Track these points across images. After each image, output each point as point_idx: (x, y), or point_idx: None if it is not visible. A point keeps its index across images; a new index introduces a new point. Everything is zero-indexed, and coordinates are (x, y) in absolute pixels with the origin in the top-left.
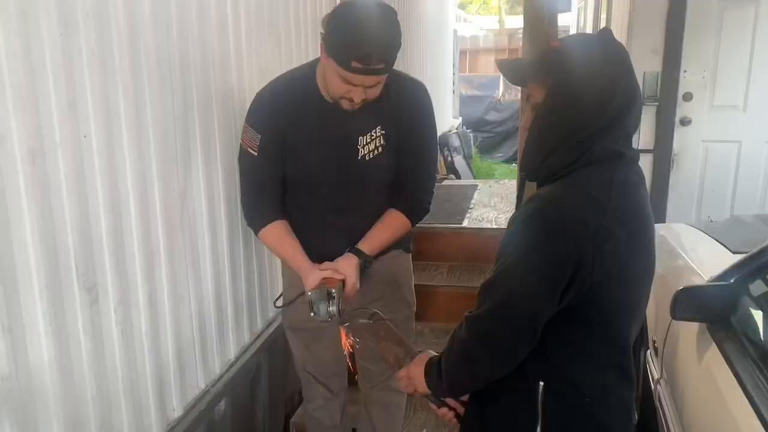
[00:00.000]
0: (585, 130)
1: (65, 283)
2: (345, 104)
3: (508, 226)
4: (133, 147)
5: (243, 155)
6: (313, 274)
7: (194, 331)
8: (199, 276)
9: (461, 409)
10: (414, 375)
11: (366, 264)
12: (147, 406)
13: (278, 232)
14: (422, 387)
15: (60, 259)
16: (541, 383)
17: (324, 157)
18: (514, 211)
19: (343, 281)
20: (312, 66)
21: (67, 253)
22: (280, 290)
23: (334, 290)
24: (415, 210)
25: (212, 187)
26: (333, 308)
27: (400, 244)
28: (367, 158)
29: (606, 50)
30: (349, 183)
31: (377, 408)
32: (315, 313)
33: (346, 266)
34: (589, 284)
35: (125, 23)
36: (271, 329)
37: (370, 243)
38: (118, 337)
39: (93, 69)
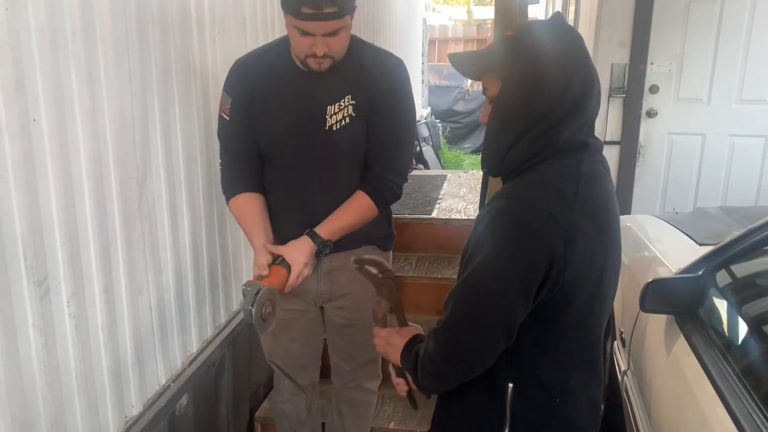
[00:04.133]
0: (546, 120)
1: (12, 275)
2: (312, 63)
3: (474, 226)
4: (87, 130)
5: (220, 121)
6: (260, 256)
7: (154, 324)
8: (159, 266)
9: (414, 387)
10: (394, 343)
11: (323, 249)
12: (103, 403)
13: (244, 204)
14: (395, 358)
15: (6, 250)
16: (510, 385)
17: (289, 125)
18: (478, 207)
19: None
20: (287, 36)
21: (15, 243)
22: (244, 280)
23: (262, 290)
24: (383, 193)
25: (173, 173)
26: (252, 308)
27: (374, 239)
28: (334, 128)
29: (560, 35)
30: (315, 155)
31: (348, 406)
32: (242, 311)
33: (296, 252)
34: (562, 281)
35: None
36: (235, 321)
37: (328, 226)
38: (71, 331)
39: (42, 47)
